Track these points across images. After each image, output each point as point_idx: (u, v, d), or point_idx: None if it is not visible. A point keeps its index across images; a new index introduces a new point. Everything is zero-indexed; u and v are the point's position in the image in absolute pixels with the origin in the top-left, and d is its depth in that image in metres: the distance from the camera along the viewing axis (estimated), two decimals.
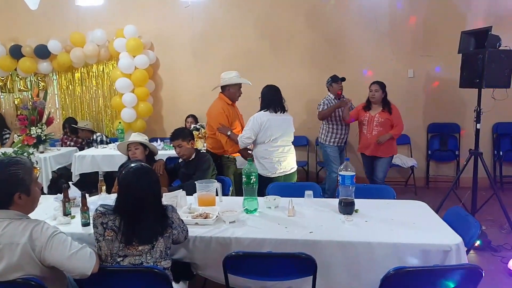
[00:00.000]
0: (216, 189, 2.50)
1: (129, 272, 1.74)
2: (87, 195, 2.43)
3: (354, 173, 2.31)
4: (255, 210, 2.41)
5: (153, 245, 1.79)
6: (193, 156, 3.24)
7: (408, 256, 1.93)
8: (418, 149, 5.60)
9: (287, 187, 2.97)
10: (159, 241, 1.80)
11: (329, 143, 4.62)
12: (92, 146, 5.34)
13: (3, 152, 2.89)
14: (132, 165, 1.86)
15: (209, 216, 2.27)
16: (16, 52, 5.73)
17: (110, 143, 5.40)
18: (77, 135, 5.62)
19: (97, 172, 4.85)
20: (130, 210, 1.78)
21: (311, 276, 1.83)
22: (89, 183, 4.47)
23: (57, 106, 6.32)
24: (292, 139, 3.56)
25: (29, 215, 1.74)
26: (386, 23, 5.45)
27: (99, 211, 1.80)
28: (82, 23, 5.88)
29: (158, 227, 1.81)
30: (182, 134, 3.14)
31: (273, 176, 3.42)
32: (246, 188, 2.41)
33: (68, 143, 5.59)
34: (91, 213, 2.26)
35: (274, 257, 1.83)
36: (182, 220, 1.97)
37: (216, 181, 2.55)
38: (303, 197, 2.55)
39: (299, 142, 5.44)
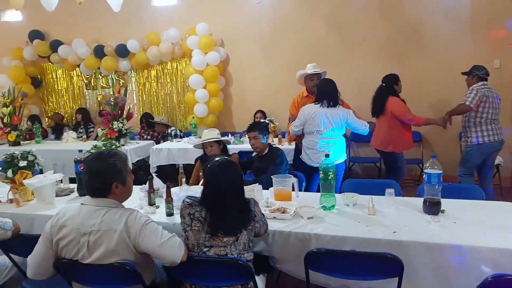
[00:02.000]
0: (293, 184, 2.49)
1: (214, 262, 1.79)
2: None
3: (441, 171, 2.18)
4: (333, 206, 2.37)
5: (237, 237, 1.83)
6: (266, 151, 3.27)
7: (506, 263, 1.78)
8: (504, 146, 5.14)
9: (364, 184, 2.88)
10: (242, 234, 1.84)
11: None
12: (167, 140, 5.62)
13: (94, 144, 3.11)
14: (217, 158, 1.91)
15: (286, 211, 2.27)
16: (99, 52, 6.18)
17: (184, 137, 5.64)
18: (153, 129, 5.95)
19: (172, 165, 5.13)
20: (215, 202, 1.83)
21: (395, 278, 1.76)
22: (164, 174, 4.72)
23: (134, 102, 6.73)
24: (341, 132, 3.55)
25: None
26: (467, 10, 5.05)
27: (186, 202, 1.88)
28: (157, 23, 6.18)
29: (241, 220, 1.84)
30: (259, 127, 3.22)
31: (315, 166, 3.40)
32: (324, 184, 2.37)
33: (145, 136, 5.94)
34: (175, 204, 2.40)
35: (357, 256, 1.78)
36: (263, 214, 1.99)
37: (292, 176, 2.54)
38: (382, 195, 2.45)
39: None
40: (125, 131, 5.16)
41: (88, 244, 1.72)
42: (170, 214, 2.37)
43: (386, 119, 4.16)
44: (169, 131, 5.81)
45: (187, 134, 5.79)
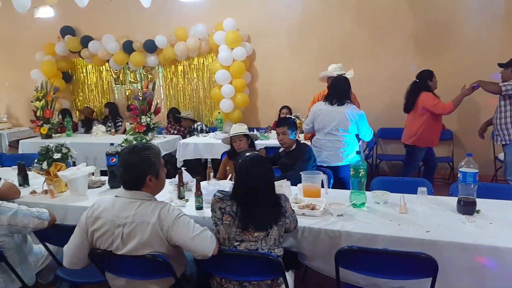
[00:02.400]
0: (322, 180, 2.47)
1: (245, 257, 1.80)
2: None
3: (477, 170, 2.11)
4: (363, 204, 2.34)
5: (268, 233, 1.83)
6: (293, 147, 3.25)
7: None
8: None
9: (393, 182, 2.83)
10: (273, 229, 1.84)
11: None
12: (193, 135, 5.67)
13: (125, 138, 3.17)
14: (248, 153, 1.91)
15: (316, 208, 2.25)
16: (128, 47, 6.29)
17: (210, 132, 5.68)
18: (180, 124, 6.02)
19: (197, 159, 5.18)
20: (246, 197, 1.83)
21: (428, 278, 1.72)
22: (189, 168, 4.76)
23: (162, 97, 6.82)
24: (350, 131, 3.42)
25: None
26: (501, 3, 4.86)
27: (218, 196, 1.89)
28: (185, 18, 6.23)
29: (272, 215, 1.84)
30: (288, 122, 3.21)
31: (320, 164, 3.41)
32: (354, 181, 2.34)
33: (171, 131, 6.02)
34: (204, 198, 2.43)
35: (390, 255, 1.75)
36: (293, 210, 1.99)
37: (322, 172, 2.51)
38: (412, 193, 2.40)
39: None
40: (152, 126, 5.24)
41: (122, 236, 1.76)
42: (199, 207, 2.39)
43: (416, 115, 4.11)
44: (195, 126, 5.86)
45: (213, 129, 5.83)
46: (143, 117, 5.18)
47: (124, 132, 5.88)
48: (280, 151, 3.41)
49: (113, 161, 2.92)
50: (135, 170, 1.80)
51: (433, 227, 2.00)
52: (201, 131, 5.74)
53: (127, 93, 7.01)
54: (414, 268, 1.72)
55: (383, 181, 2.87)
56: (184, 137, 5.67)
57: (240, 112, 6.04)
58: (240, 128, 3.26)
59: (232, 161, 3.38)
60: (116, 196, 1.85)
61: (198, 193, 2.40)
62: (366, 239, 1.97)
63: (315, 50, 5.74)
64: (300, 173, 2.51)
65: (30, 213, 2.11)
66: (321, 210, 2.21)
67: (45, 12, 6.85)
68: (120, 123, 6.44)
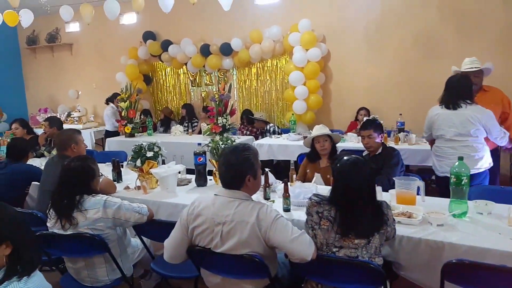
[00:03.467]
0: (418, 187, 2.33)
1: (345, 264, 1.75)
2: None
3: None
4: (464, 214, 2.17)
5: (369, 240, 1.76)
6: (379, 150, 3.12)
7: None
8: None
9: (495, 192, 2.59)
10: (375, 237, 1.76)
11: None
12: (266, 136, 5.71)
13: (212, 139, 3.23)
14: (346, 157, 1.85)
15: (412, 216, 2.14)
16: (205, 51, 6.49)
17: (282, 133, 5.68)
18: (253, 125, 6.08)
19: (269, 160, 5.20)
20: (347, 202, 1.78)
21: None
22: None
23: (235, 99, 6.96)
24: (477, 135, 2.95)
25: None
26: None
27: (314, 200, 1.86)
28: (259, 21, 6.30)
29: (375, 223, 1.77)
30: (374, 125, 3.06)
31: (440, 175, 3.09)
32: (455, 189, 2.18)
33: (244, 132, 6.10)
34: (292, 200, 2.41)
35: (506, 272, 1.60)
36: (394, 218, 1.89)
37: (418, 179, 2.38)
38: None
39: None
40: (228, 127, 5.36)
41: (221, 234, 1.79)
42: (287, 209, 2.38)
43: None
44: (268, 127, 5.90)
45: (285, 131, 5.82)
46: (220, 118, 5.31)
47: (200, 132, 6.08)
48: (363, 154, 3.29)
49: (201, 160, 3.01)
50: (236, 170, 1.83)
51: None
52: (274, 132, 5.76)
53: (202, 95, 7.25)
54: None
55: (482, 190, 2.65)
56: (256, 138, 5.72)
57: (313, 113, 5.97)
58: (324, 129, 3.21)
59: (312, 163, 3.34)
60: (215, 194, 1.89)
61: (286, 195, 2.39)
62: (474, 253, 1.83)
63: (396, 48, 5.50)
64: (394, 178, 2.39)
65: (132, 208, 2.24)
66: (419, 219, 2.09)
67: (129, 19, 7.30)
68: (196, 124, 6.67)
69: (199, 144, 3.11)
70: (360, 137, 4.59)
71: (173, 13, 5.04)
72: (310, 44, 5.69)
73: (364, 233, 1.75)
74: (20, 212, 2.00)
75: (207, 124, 5.62)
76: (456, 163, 2.20)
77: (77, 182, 2.18)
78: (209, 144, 3.08)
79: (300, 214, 2.34)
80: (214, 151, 3.08)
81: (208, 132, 5.43)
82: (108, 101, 6.72)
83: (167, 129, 6.69)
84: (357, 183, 1.78)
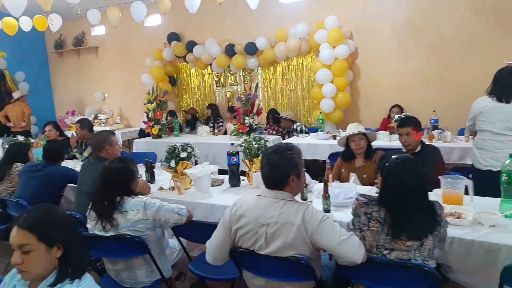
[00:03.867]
0: (466, 186, 2.23)
1: (397, 267, 1.67)
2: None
3: None
4: None
5: (422, 242, 1.68)
6: (418, 149, 3.02)
7: None
8: None
9: None
10: (428, 239, 1.69)
11: None
12: (293, 135, 5.64)
13: (244, 139, 3.18)
14: (395, 156, 1.78)
15: (461, 217, 2.04)
16: (230, 51, 6.48)
17: (309, 132, 5.60)
18: (279, 124, 6.02)
19: None
20: (398, 203, 1.70)
21: None
22: None
23: (260, 98, 6.91)
24: None
25: None
26: None
27: (362, 201, 1.79)
28: (285, 19, 6.24)
29: (428, 224, 1.69)
30: (413, 122, 2.95)
31: (482, 169, 2.97)
32: (507, 188, 2.08)
33: (270, 131, 6.05)
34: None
35: None
36: (446, 219, 1.81)
37: (465, 178, 2.27)
38: None
39: None
40: (255, 126, 5.32)
41: (266, 235, 1.75)
42: (327, 210, 2.32)
43: None
44: (295, 126, 5.83)
45: (312, 130, 5.74)
46: (246, 118, 5.28)
47: (225, 132, 6.06)
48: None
49: (234, 160, 2.98)
50: (280, 170, 1.78)
51: None
52: (301, 131, 5.69)
53: (227, 95, 7.24)
54: None
55: None
56: (283, 137, 5.66)
57: (341, 112, 5.87)
58: (359, 127, 3.13)
59: (347, 163, 3.26)
60: (257, 195, 1.85)
61: (326, 196, 2.33)
62: None
63: (427, 44, 5.35)
64: (440, 177, 2.29)
65: (171, 209, 2.22)
66: (469, 220, 1.99)
67: (153, 21, 7.35)
68: (221, 124, 6.66)
69: (232, 144, 3.07)
70: (391, 136, 4.51)
71: (197, 14, 5.03)
72: (337, 41, 5.60)
73: (417, 235, 1.67)
74: (69, 214, 2.00)
75: (233, 124, 5.59)
76: (508, 161, 2.09)
77: (117, 183, 2.18)
78: (242, 144, 3.05)
79: (341, 215, 2.28)
80: (247, 151, 3.04)
81: (235, 132, 5.40)
82: None
83: (193, 130, 6.71)
84: (409, 183, 1.70)
